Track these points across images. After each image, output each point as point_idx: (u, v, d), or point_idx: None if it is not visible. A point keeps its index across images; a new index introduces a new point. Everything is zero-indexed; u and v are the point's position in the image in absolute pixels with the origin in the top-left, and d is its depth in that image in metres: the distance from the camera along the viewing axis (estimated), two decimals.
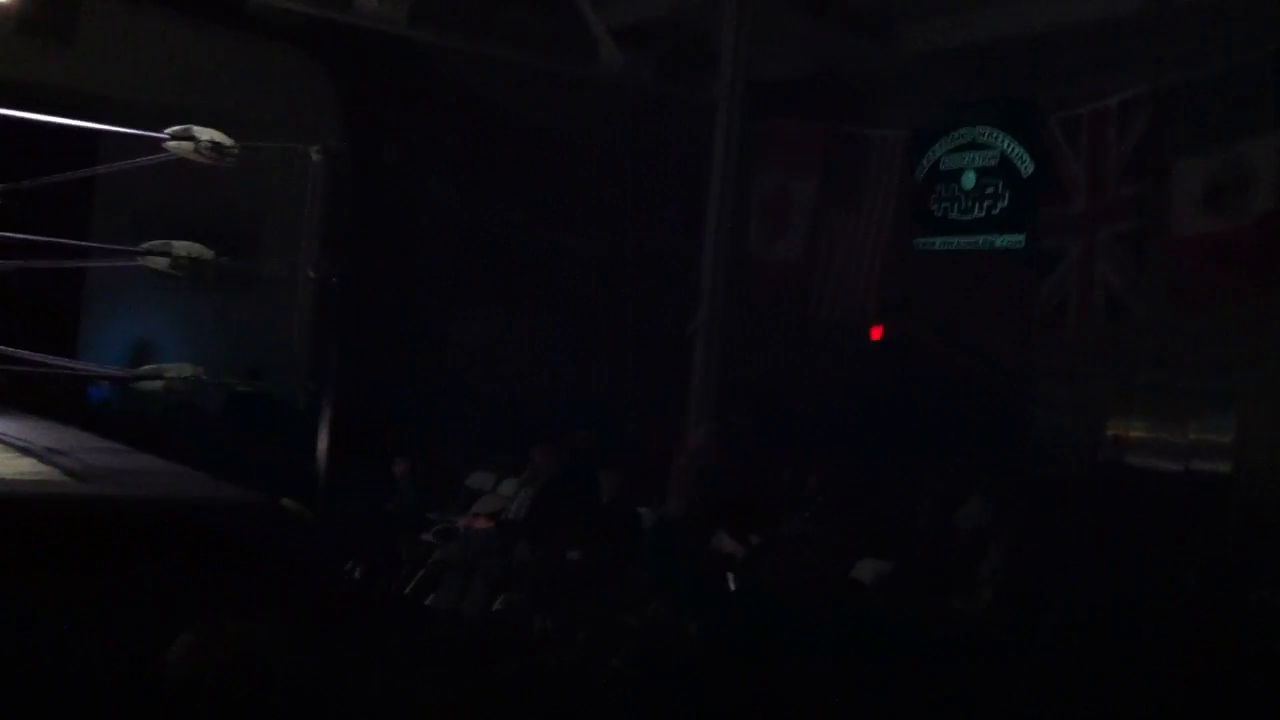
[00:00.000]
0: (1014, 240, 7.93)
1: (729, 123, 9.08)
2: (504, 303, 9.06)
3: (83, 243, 6.99)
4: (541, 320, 9.17)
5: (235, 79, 8.70)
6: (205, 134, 5.21)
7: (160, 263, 5.16)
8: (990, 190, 8.07)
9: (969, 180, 8.19)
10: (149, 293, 8.51)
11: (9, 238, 6.20)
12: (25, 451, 5.67)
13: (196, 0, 8.41)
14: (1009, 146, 7.98)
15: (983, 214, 8.08)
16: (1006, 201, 7.98)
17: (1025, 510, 7.63)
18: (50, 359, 5.63)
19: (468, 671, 6.10)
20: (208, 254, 5.28)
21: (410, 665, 5.70)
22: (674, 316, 9.07)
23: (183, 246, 5.19)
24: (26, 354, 5.69)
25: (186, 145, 5.20)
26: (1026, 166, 7.91)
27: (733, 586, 6.84)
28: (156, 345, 8.75)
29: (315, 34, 8.67)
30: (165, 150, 5.28)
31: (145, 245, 5.18)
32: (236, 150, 5.31)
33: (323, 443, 5.32)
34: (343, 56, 8.84)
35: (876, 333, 9.17)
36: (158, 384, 5.13)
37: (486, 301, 9.04)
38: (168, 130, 5.23)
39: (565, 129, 9.20)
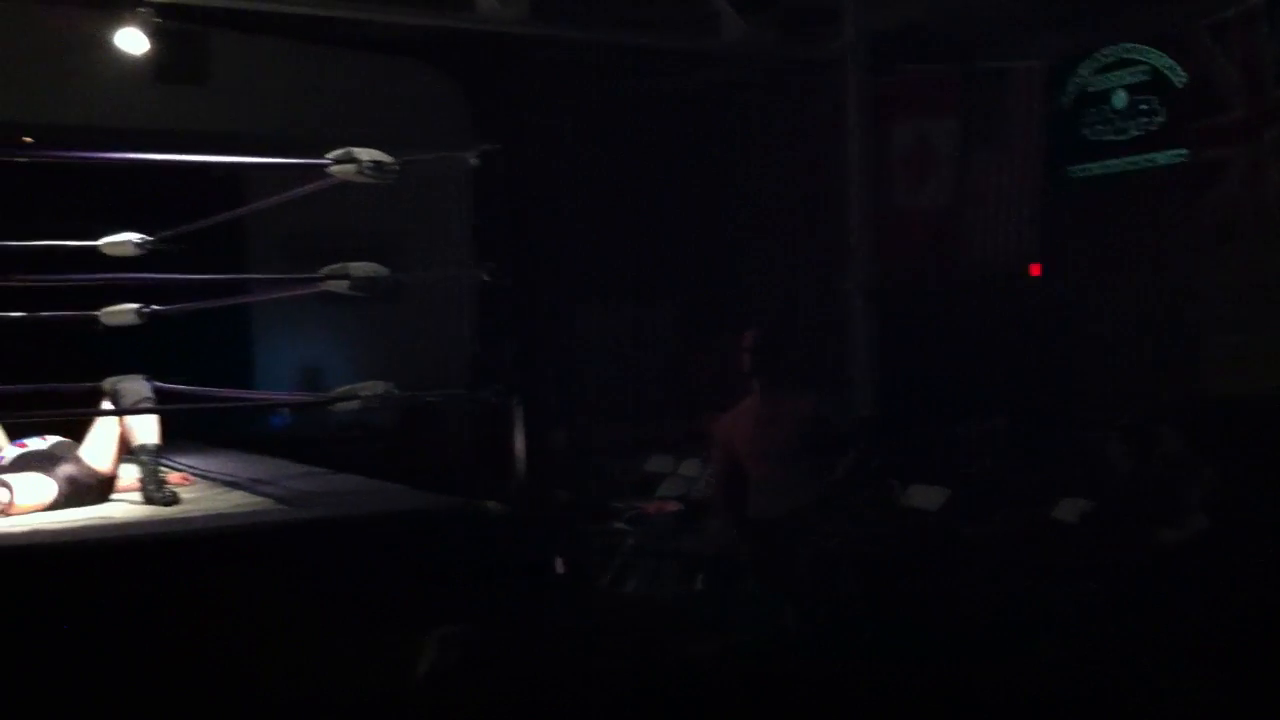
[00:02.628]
0: (1176, 155, 7.70)
1: (856, 77, 8.96)
2: (652, 292, 9.06)
3: (265, 275, 7.20)
4: (693, 308, 9.15)
5: (365, 99, 8.82)
6: (366, 154, 5.26)
7: (340, 285, 5.24)
8: (1144, 107, 7.85)
9: (1120, 99, 7.98)
10: (312, 316, 8.70)
11: (182, 280, 6.43)
12: (232, 485, 5.86)
13: (319, 28, 8.53)
14: (1158, 59, 7.75)
15: (1140, 132, 7.87)
16: (1163, 116, 7.76)
17: (1219, 433, 7.41)
18: (245, 393, 5.81)
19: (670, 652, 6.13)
20: (383, 271, 5.35)
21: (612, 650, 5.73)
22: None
23: (359, 267, 5.26)
24: (222, 391, 5.87)
25: (349, 168, 5.26)
26: (1180, 78, 7.67)
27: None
28: (326, 366, 8.94)
29: (439, 44, 8.76)
30: (328, 175, 5.34)
31: (324, 270, 5.26)
32: (397, 166, 5.36)
33: (517, 443, 5.37)
34: (469, 63, 8.91)
35: (1036, 269, 8.98)
36: (354, 403, 5.20)
37: (634, 291, 9.05)
38: (329, 155, 5.30)
39: (694, 107, 9.15)
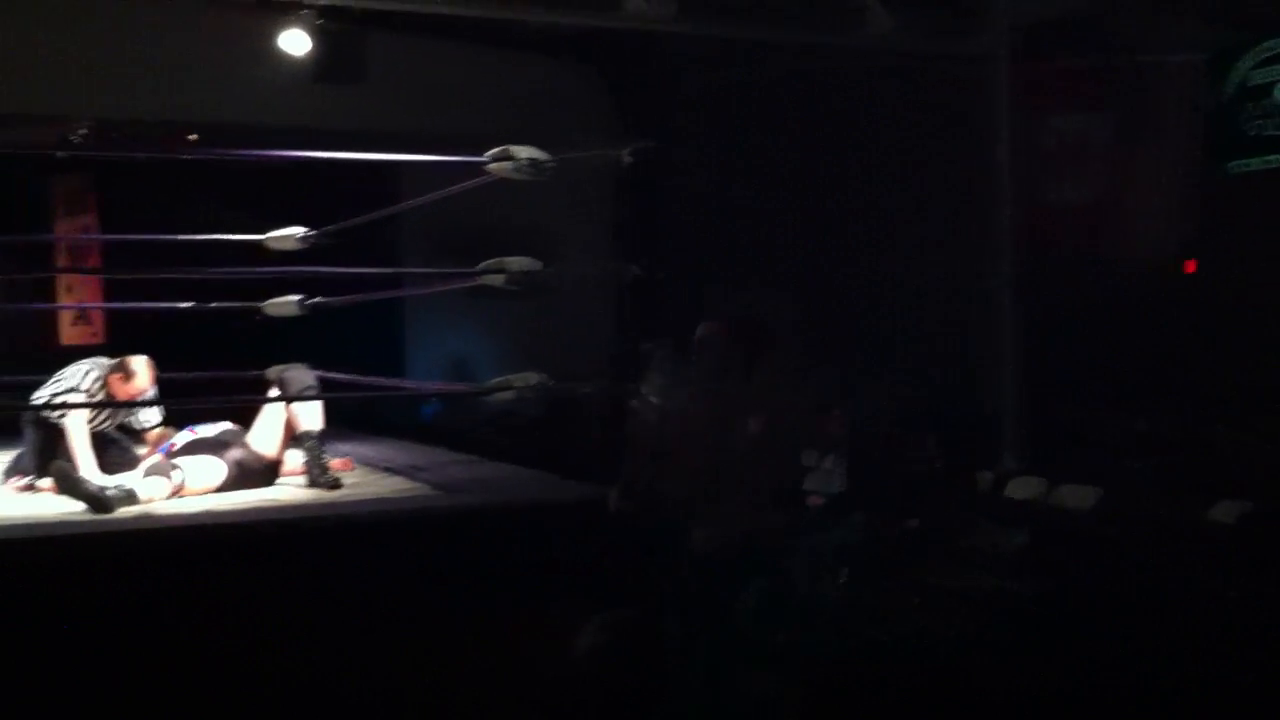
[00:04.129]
0: None
1: (1007, 69, 8.82)
2: (797, 286, 9.04)
3: (423, 270, 7.42)
4: (834, 301, 9.11)
5: (514, 99, 8.97)
6: (523, 152, 5.40)
7: (497, 280, 5.39)
8: None
9: None
10: (464, 309, 8.90)
11: (343, 273, 6.68)
12: (391, 471, 6.05)
13: (471, 29, 8.68)
14: None
15: None
16: None
17: None
18: (404, 383, 6.01)
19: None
20: (538, 266, 5.48)
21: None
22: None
23: (515, 262, 5.41)
24: (382, 380, 6.08)
25: (506, 165, 5.40)
26: None
27: None
28: (474, 359, 9.15)
29: (589, 43, 8.87)
30: (486, 172, 5.49)
31: (481, 265, 5.42)
32: (552, 163, 5.49)
33: None
34: (616, 61, 9.02)
35: (1190, 266, 8.76)
36: (509, 394, 5.35)
37: (778, 285, 9.04)
38: (487, 153, 5.45)
39: (840, 101, 9.11)
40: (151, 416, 6.07)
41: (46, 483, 5.47)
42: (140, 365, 5.79)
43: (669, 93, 9.03)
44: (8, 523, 4.83)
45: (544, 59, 9.16)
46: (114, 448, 5.99)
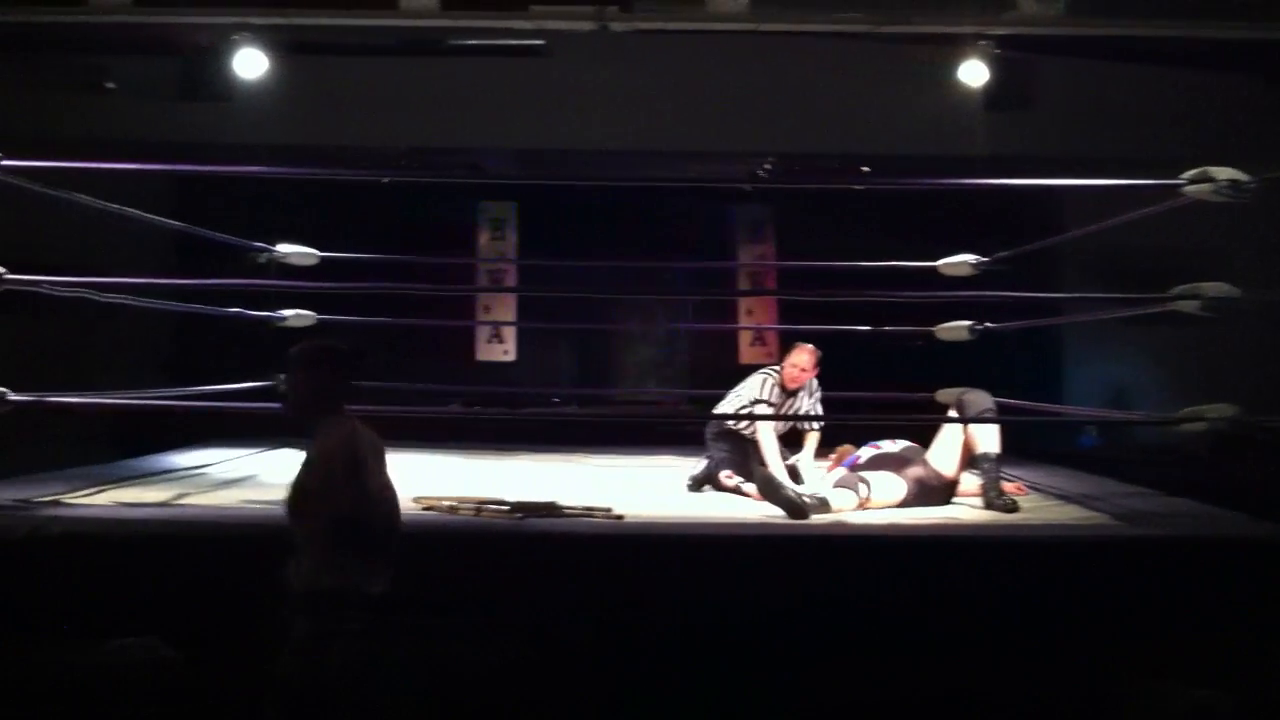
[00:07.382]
0: None
1: None
2: None
3: (1108, 295, 7.36)
4: None
5: (1184, 119, 8.60)
6: (1223, 174, 5.20)
7: (1190, 306, 5.23)
8: None
9: None
10: (1123, 336, 8.70)
11: (1019, 298, 6.75)
12: (1065, 499, 6.02)
13: (1139, 47, 8.40)
14: None
15: None
16: None
17: None
18: (1086, 411, 5.92)
19: None
20: (1235, 292, 5.26)
21: None
22: None
23: (1211, 287, 5.23)
24: (1061, 408, 6.07)
25: (1205, 187, 5.23)
26: None
27: None
28: (1138, 386, 8.88)
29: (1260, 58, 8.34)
30: (1181, 195, 5.34)
31: (1174, 290, 5.28)
32: (1254, 184, 5.24)
33: None
34: None
35: None
36: (1200, 425, 5.17)
37: None
38: (1184, 175, 5.29)
39: None
40: (814, 424, 6.46)
41: (749, 487, 5.98)
42: (807, 346, 6.24)
43: None
44: (720, 522, 5.35)
45: (1221, 75, 8.71)
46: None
